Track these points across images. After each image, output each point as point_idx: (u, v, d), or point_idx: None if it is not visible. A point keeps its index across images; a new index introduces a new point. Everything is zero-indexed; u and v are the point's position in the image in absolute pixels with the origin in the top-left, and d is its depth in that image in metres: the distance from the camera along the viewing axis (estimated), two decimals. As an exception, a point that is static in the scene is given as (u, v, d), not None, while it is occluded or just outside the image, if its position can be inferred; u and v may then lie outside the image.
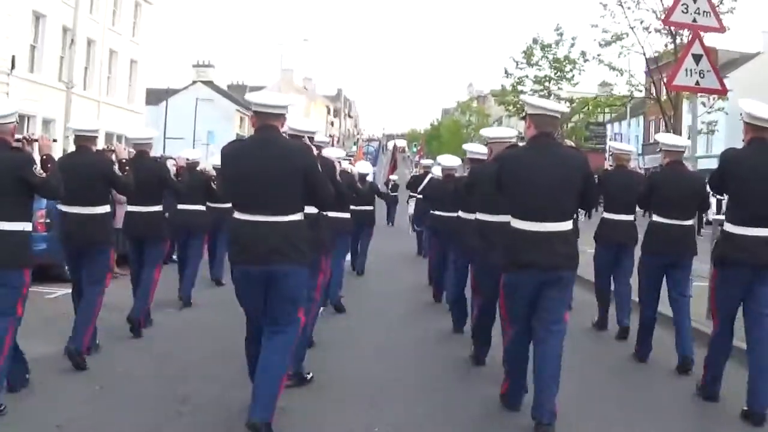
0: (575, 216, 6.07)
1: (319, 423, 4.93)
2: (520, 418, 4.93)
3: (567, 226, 4.79)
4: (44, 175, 4.92)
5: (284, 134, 5.01)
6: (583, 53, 24.32)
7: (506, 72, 25.74)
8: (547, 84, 25.06)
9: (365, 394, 5.61)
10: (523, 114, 5.31)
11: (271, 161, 4.50)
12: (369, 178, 13.98)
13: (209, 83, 56.48)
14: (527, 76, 25.50)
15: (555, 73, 24.99)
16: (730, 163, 5.28)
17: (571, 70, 24.84)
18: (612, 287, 8.16)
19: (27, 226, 4.92)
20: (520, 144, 5.96)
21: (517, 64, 25.70)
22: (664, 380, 6.25)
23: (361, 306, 9.54)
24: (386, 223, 23.87)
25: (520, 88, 25.36)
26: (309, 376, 5.77)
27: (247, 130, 58.63)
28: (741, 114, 5.21)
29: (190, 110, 47.30)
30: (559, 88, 25.13)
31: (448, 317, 8.10)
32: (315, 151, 5.11)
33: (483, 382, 5.86)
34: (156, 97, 46.25)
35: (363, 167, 14.00)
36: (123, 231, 7.68)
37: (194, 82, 56.12)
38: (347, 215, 8.12)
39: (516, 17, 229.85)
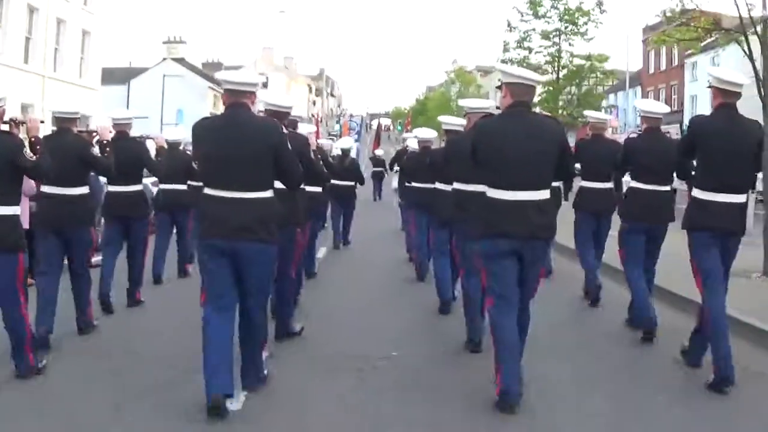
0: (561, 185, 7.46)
1: (302, 389, 5.03)
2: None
3: (543, 195, 4.69)
4: (34, 158, 5.02)
5: (260, 111, 5.34)
6: (600, 3, 20.80)
7: (509, 25, 21.84)
8: (556, 39, 21.49)
9: (348, 362, 5.67)
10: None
11: (240, 138, 4.56)
12: (352, 154, 14.15)
13: (180, 60, 52.67)
14: (534, 30, 21.81)
15: (566, 27, 21.36)
16: (698, 130, 5.27)
17: (585, 23, 21.24)
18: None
19: (17, 210, 5.03)
20: (496, 112, 5.71)
21: (522, 16, 21.88)
22: (648, 350, 6.18)
23: (343, 278, 9.94)
24: (373, 198, 23.78)
25: (526, 44, 21.74)
26: (298, 328, 6.33)
27: (221, 109, 55.51)
28: (708, 79, 5.18)
29: (160, 88, 43.67)
30: (570, 44, 21.61)
31: (427, 292, 8.18)
32: (288, 127, 5.53)
33: (468, 357, 5.88)
34: (123, 76, 42.86)
35: (345, 142, 14.45)
36: (104, 212, 7.79)
37: (164, 60, 52.38)
38: (320, 189, 8.22)
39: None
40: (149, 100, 41.34)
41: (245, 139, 4.53)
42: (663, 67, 54.60)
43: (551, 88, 21.53)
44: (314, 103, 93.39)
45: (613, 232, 7.27)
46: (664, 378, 5.34)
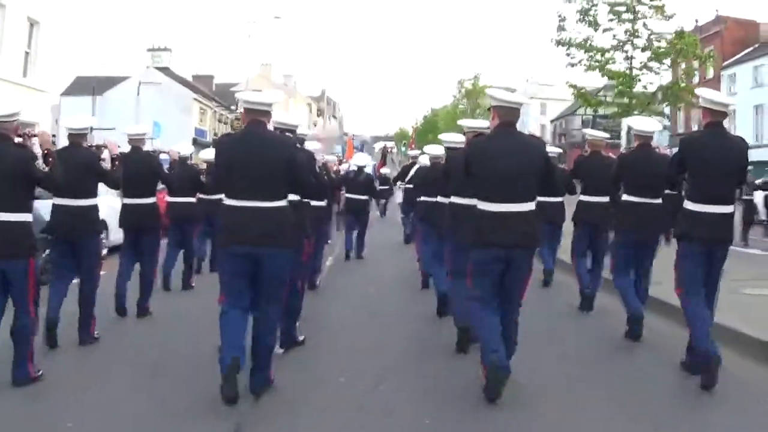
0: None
1: (304, 395, 5.20)
2: (502, 407, 4.94)
3: (528, 207, 5.08)
4: (46, 169, 5.37)
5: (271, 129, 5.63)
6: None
7: (569, -8, 16.70)
8: (627, 15, 16.27)
9: (351, 368, 5.89)
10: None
11: (259, 152, 4.97)
12: (367, 170, 14.67)
13: (164, 69, 47.89)
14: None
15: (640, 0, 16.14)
16: (688, 146, 5.65)
17: (666, -7, 16.04)
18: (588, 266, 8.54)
19: (29, 217, 5.30)
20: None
21: (584, -20, 16.47)
22: (645, 358, 6.31)
23: (347, 290, 10.33)
24: (380, 215, 24.84)
25: (589, 18, 16.50)
26: (301, 339, 6.60)
27: (209, 124, 50.69)
28: (699, 99, 5.57)
29: (141, 99, 38.63)
30: (644, 25, 16.36)
31: (430, 301, 8.37)
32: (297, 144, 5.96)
33: (466, 363, 5.93)
34: (101, 85, 37.97)
35: (360, 159, 15.12)
36: (120, 223, 8.08)
37: (147, 68, 47.52)
38: (323, 203, 8.84)
39: (504, 18, 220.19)
40: (124, 111, 36.32)
41: (263, 153, 4.97)
42: (696, 79, 49.96)
43: (622, 79, 16.43)
44: (315, 124, 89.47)
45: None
46: (660, 384, 5.50)
